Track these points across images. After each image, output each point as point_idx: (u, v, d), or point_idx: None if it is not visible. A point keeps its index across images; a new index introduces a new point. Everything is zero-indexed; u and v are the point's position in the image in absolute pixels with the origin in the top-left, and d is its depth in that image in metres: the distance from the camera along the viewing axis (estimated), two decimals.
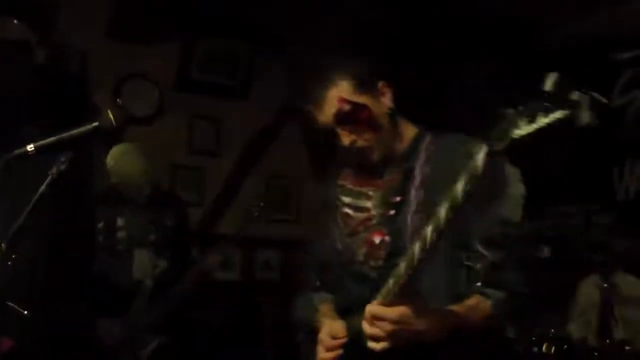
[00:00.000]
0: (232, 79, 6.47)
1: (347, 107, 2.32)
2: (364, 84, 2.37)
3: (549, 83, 1.52)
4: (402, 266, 2.01)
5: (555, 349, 4.08)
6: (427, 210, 2.05)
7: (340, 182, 2.63)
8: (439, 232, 1.85)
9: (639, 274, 4.37)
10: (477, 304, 2.18)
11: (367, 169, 2.48)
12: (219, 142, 6.49)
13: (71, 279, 4.74)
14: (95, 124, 2.27)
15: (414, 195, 2.33)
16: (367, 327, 2.06)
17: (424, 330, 2.05)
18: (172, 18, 6.08)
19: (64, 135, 2.24)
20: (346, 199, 2.55)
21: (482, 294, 2.19)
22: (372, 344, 2.05)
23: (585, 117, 1.44)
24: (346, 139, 2.35)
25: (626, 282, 4.38)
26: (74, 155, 2.34)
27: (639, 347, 4.03)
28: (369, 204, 2.46)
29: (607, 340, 4.04)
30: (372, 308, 2.06)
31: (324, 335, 2.40)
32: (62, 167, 2.26)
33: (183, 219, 5.02)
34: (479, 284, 2.19)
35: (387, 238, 2.36)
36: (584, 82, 1.48)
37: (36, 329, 3.93)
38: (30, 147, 2.16)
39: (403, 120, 2.49)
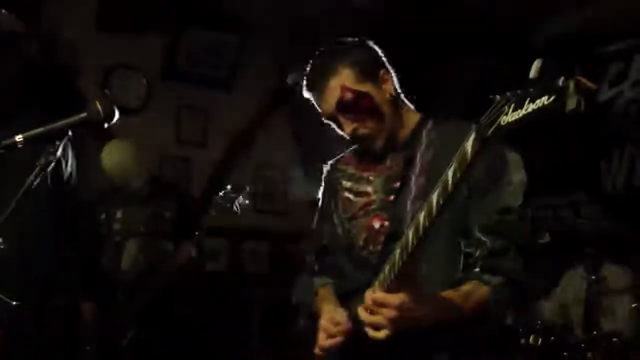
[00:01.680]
0: (219, 70, 6.46)
1: (349, 95, 2.32)
2: (365, 72, 2.37)
3: (533, 70, 1.53)
4: (397, 252, 2.02)
5: (542, 341, 4.10)
6: (426, 197, 2.04)
7: (342, 167, 2.63)
8: (431, 219, 1.85)
9: (626, 266, 4.40)
10: (475, 289, 2.16)
11: (369, 155, 2.48)
12: (206, 133, 6.48)
13: (59, 268, 4.78)
14: (84, 114, 2.26)
15: (414, 181, 2.32)
16: (366, 316, 2.04)
17: (422, 316, 2.04)
18: (158, 9, 6.06)
19: (52, 125, 2.23)
20: (347, 184, 2.56)
21: (479, 279, 2.17)
22: (373, 333, 2.02)
23: (571, 102, 1.43)
24: (348, 127, 2.36)
25: (613, 274, 4.40)
26: (61, 146, 2.32)
27: (625, 339, 4.05)
28: (369, 189, 2.46)
29: (594, 332, 4.06)
30: (373, 295, 2.03)
31: (325, 322, 2.39)
32: (51, 157, 2.25)
33: (184, 210, 4.98)
34: (477, 269, 2.18)
35: (386, 223, 2.36)
36: (571, 74, 1.48)
37: (25, 319, 3.92)
38: (19, 138, 2.15)
39: (406, 106, 2.48)
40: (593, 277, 4.15)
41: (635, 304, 4.11)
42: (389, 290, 2.03)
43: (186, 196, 5.31)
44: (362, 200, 2.47)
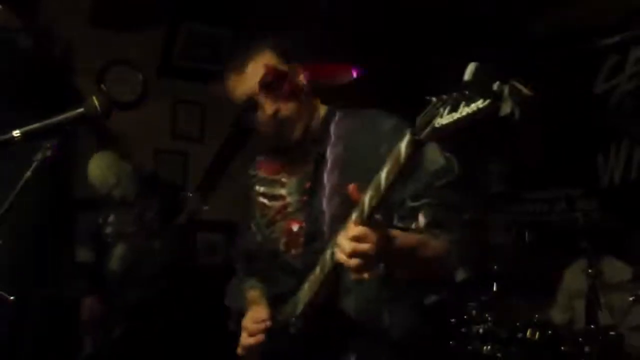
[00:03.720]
0: (216, 63, 6.44)
1: (273, 74, 2.31)
2: (285, 56, 2.37)
3: (468, 73, 1.51)
4: (317, 269, 2.06)
5: (539, 335, 4.10)
6: (342, 192, 2.01)
7: (254, 172, 2.62)
8: (362, 220, 1.86)
9: (624, 260, 4.40)
10: (429, 239, 2.15)
11: (282, 151, 2.48)
12: (202, 128, 6.47)
13: (54, 264, 4.88)
14: (81, 110, 2.25)
15: (327, 179, 2.32)
16: (347, 260, 1.89)
17: (394, 255, 1.99)
18: (154, 3, 6.05)
19: (50, 121, 2.22)
20: (261, 189, 2.55)
21: (430, 234, 2.17)
22: (356, 276, 1.91)
23: (505, 107, 1.41)
24: (270, 108, 2.32)
25: (611, 268, 4.40)
26: (58, 141, 2.32)
27: (622, 332, 4.06)
28: (283, 191, 2.46)
29: (592, 326, 4.06)
30: (353, 230, 1.89)
31: (247, 321, 2.40)
32: (48, 153, 2.24)
33: (166, 207, 5.21)
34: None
35: (304, 225, 2.35)
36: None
37: (22, 313, 3.96)
38: (16, 133, 2.14)
39: (314, 98, 2.47)
40: (590, 270, 4.15)
41: (633, 298, 4.12)
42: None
43: (167, 193, 5.46)
44: (277, 203, 2.47)
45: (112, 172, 5.07)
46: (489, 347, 4.19)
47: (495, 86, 1.44)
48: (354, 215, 1.90)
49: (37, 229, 4.94)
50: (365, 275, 1.89)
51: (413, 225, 2.18)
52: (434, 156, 2.23)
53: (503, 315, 4.34)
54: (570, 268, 4.74)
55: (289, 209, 2.42)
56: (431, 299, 2.37)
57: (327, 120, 2.43)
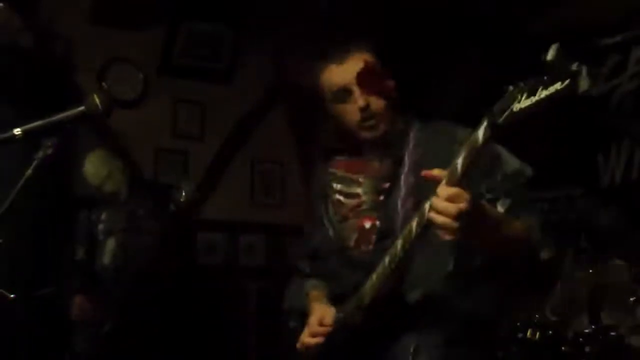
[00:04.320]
0: (216, 62, 6.44)
1: (372, 69, 2.43)
2: (382, 59, 2.50)
3: (551, 53, 1.56)
4: (398, 243, 2.09)
5: (539, 335, 4.10)
6: (416, 194, 2.07)
7: (331, 170, 2.67)
8: (454, 182, 1.90)
9: (624, 260, 4.39)
10: (514, 218, 2.22)
11: (361, 152, 2.56)
12: (203, 126, 6.46)
13: (53, 262, 4.92)
14: (82, 108, 2.25)
15: (403, 180, 2.40)
16: (441, 218, 1.91)
17: (478, 223, 1.99)
18: (155, 2, 6.04)
19: (51, 119, 2.22)
20: (337, 186, 2.61)
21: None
22: (444, 233, 1.94)
23: (584, 84, 1.49)
24: (362, 100, 2.42)
25: (612, 268, 4.40)
26: (59, 139, 2.32)
27: (623, 333, 4.05)
28: (359, 190, 2.52)
29: (593, 326, 4.05)
30: (446, 190, 1.91)
31: (312, 320, 2.44)
32: (49, 151, 2.25)
33: (158, 205, 5.25)
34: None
35: (377, 223, 2.41)
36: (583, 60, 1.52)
37: (21, 311, 3.97)
38: (17, 131, 2.14)
39: (398, 107, 2.55)
40: (591, 270, 4.15)
41: (634, 298, 4.11)
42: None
43: (159, 191, 5.52)
44: (352, 201, 2.53)
45: (104, 167, 5.16)
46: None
47: (574, 66, 1.51)
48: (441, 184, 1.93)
49: (37, 227, 4.96)
50: (453, 236, 1.93)
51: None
52: (510, 159, 2.37)
53: (503, 315, 4.34)
54: (569, 268, 4.74)
55: (363, 207, 2.49)
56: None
57: (407, 127, 2.54)
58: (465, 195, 1.89)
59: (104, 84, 5.89)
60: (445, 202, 1.89)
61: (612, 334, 4.00)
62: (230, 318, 6.13)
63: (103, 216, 5.11)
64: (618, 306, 4.26)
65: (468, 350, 2.39)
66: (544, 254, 2.31)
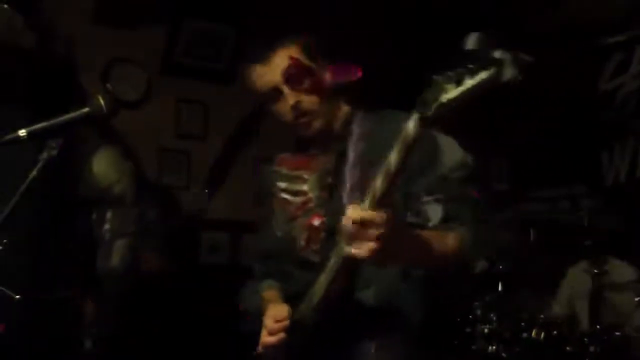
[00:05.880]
0: (219, 62, 6.44)
1: (297, 65, 2.39)
2: (310, 54, 2.45)
3: (470, 42, 1.54)
4: (333, 258, 2.07)
5: (544, 335, 4.10)
6: (362, 187, 2.03)
7: (276, 168, 2.68)
8: (373, 203, 1.84)
9: (628, 259, 4.39)
10: (446, 233, 2.17)
11: (302, 148, 2.56)
12: (206, 126, 6.46)
13: (59, 263, 4.90)
14: (86, 109, 2.25)
15: (348, 175, 2.35)
16: (348, 248, 1.86)
17: (404, 243, 1.95)
18: (156, 2, 6.04)
19: (55, 120, 2.22)
20: (282, 184, 2.60)
21: (446, 228, 2.19)
22: (356, 251, 1.85)
23: (508, 72, 1.46)
24: (292, 99, 2.40)
25: (616, 267, 4.39)
26: (64, 140, 2.32)
27: (627, 332, 4.05)
28: (305, 187, 2.51)
29: (597, 326, 4.05)
30: (358, 213, 1.83)
31: (267, 319, 2.40)
32: (53, 152, 2.24)
33: (167, 210, 5.35)
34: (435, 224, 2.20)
35: (325, 219, 2.38)
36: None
37: (26, 312, 3.97)
38: (22, 132, 2.15)
39: (338, 100, 2.54)
40: (596, 270, 4.14)
41: (638, 298, 4.11)
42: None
43: (168, 194, 5.57)
44: (299, 199, 2.51)
45: (115, 169, 5.10)
46: (493, 347, 4.19)
47: (497, 54, 1.49)
48: (364, 202, 1.88)
49: (42, 229, 4.95)
50: (363, 253, 1.84)
51: (429, 223, 2.20)
52: (452, 150, 2.29)
53: (508, 314, 4.34)
54: (574, 267, 4.74)
55: (310, 205, 2.46)
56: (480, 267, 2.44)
57: (349, 119, 2.49)
58: (379, 219, 1.81)
59: (108, 85, 5.90)
60: (355, 226, 1.83)
61: (617, 333, 4.00)
62: (233, 318, 6.12)
63: (109, 216, 5.06)
64: (622, 306, 4.26)
65: (427, 348, 2.36)
66: (479, 267, 2.29)
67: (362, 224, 1.82)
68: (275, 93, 2.45)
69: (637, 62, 4.96)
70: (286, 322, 2.33)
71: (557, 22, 5.30)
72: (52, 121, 2.22)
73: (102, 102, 2.25)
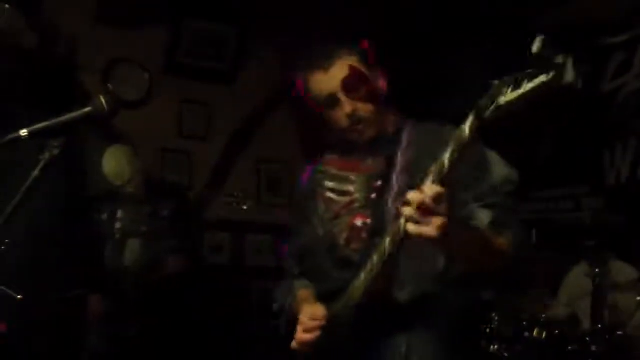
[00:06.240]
0: (221, 62, 6.45)
1: (357, 74, 2.42)
2: (367, 63, 2.48)
3: (537, 45, 1.55)
4: (386, 241, 2.07)
5: (546, 334, 4.10)
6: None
7: (324, 168, 2.69)
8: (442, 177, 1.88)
9: (629, 259, 4.39)
10: (493, 234, 2.22)
11: (353, 151, 2.56)
12: (208, 127, 6.47)
13: (63, 263, 4.90)
14: (88, 109, 2.26)
15: (395, 179, 2.40)
16: (413, 215, 1.88)
17: (457, 236, 1.98)
18: (158, 2, 6.05)
19: (57, 120, 2.23)
20: (329, 184, 2.61)
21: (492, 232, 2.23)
22: (425, 230, 1.87)
23: (569, 75, 1.48)
24: (349, 107, 2.43)
25: (616, 268, 4.39)
26: (66, 140, 2.33)
27: (629, 332, 4.05)
28: (351, 188, 2.53)
29: (599, 326, 4.05)
30: (426, 189, 1.86)
31: (303, 317, 2.43)
32: (55, 152, 2.25)
33: (180, 208, 5.30)
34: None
35: (368, 221, 2.42)
36: (575, 66, 1.51)
37: (28, 312, 3.97)
38: (23, 132, 2.15)
39: (388, 109, 2.57)
40: (597, 270, 4.14)
41: None
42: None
43: (182, 194, 5.59)
44: (344, 199, 2.53)
45: (129, 167, 5.10)
46: (495, 346, 4.19)
47: (559, 58, 1.50)
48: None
49: (48, 228, 4.96)
50: (432, 232, 1.87)
51: (480, 225, 2.24)
52: (500, 165, 2.36)
53: (509, 314, 4.34)
54: (575, 267, 4.74)
55: (355, 205, 2.49)
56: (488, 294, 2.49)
57: (400, 127, 2.54)
58: (444, 194, 1.85)
59: (109, 85, 5.91)
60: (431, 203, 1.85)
61: (619, 333, 4.00)
62: (236, 318, 6.13)
63: (120, 214, 5.06)
64: (624, 306, 4.26)
65: (458, 348, 2.40)
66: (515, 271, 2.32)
67: (425, 206, 1.85)
68: (333, 100, 2.46)
69: (639, 62, 4.95)
70: (322, 321, 2.36)
71: (558, 22, 5.30)
72: (54, 121, 2.22)
73: (103, 102, 2.25)
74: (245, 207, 5.18)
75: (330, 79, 2.45)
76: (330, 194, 2.59)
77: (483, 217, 2.26)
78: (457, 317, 2.39)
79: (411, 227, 1.90)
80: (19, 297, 2.62)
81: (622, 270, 4.37)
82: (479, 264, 2.23)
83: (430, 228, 1.86)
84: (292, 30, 5.88)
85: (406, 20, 5.94)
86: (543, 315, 4.26)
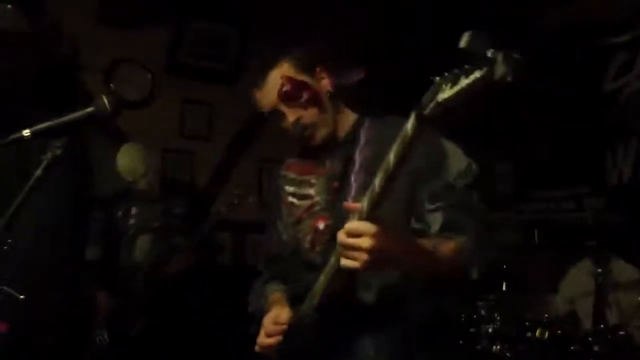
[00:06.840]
0: (223, 62, 6.45)
1: (289, 84, 2.41)
2: (303, 66, 2.47)
3: (463, 41, 1.55)
4: (332, 259, 2.09)
5: (548, 334, 4.10)
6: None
7: (283, 173, 2.70)
8: (373, 202, 1.90)
9: (631, 259, 4.39)
10: (444, 241, 2.20)
11: (310, 154, 2.56)
12: (210, 127, 6.47)
13: (66, 262, 4.92)
14: (90, 109, 2.26)
15: (354, 178, 2.39)
16: (341, 250, 1.96)
17: (398, 252, 2.00)
18: (160, 2, 6.05)
19: (59, 120, 2.23)
20: (290, 189, 2.62)
21: (446, 237, 2.22)
22: (349, 263, 1.94)
23: (499, 71, 1.48)
24: (292, 116, 2.44)
25: (618, 267, 4.39)
26: (68, 140, 2.33)
27: (631, 332, 4.04)
28: (311, 191, 2.54)
29: (602, 325, 4.05)
30: (350, 225, 1.94)
31: (266, 321, 2.45)
32: (58, 152, 2.25)
33: (194, 205, 5.32)
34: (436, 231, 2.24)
35: (330, 222, 2.41)
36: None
37: (31, 312, 3.97)
38: (26, 132, 2.15)
39: (343, 106, 2.57)
40: (599, 270, 4.14)
41: None
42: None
43: (194, 192, 5.68)
44: (305, 202, 2.54)
45: (142, 162, 5.12)
46: (497, 346, 4.19)
47: (489, 53, 1.50)
48: (363, 201, 1.94)
49: (53, 228, 4.96)
50: (355, 264, 1.92)
51: (430, 231, 2.23)
52: (457, 157, 2.34)
53: (512, 314, 4.34)
54: (577, 266, 4.73)
55: (317, 208, 2.49)
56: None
57: (356, 125, 2.52)
58: (371, 229, 1.90)
59: (111, 85, 5.91)
60: (351, 239, 1.92)
61: (621, 333, 3.99)
62: (236, 318, 6.12)
63: (134, 211, 5.12)
64: (626, 306, 4.26)
65: (427, 349, 2.38)
66: (474, 274, 2.29)
67: (355, 234, 1.91)
68: (276, 113, 2.47)
69: None
70: (284, 326, 2.37)
71: (560, 22, 5.30)
72: (56, 121, 2.22)
73: (106, 102, 2.25)
74: (250, 200, 5.17)
75: (267, 94, 2.46)
76: (291, 199, 2.60)
77: (433, 222, 2.25)
78: (425, 316, 2.37)
79: (341, 261, 1.96)
80: (21, 297, 2.62)
81: (624, 270, 4.37)
82: (429, 273, 2.20)
83: (354, 262, 1.92)
84: (293, 30, 5.88)
85: (406, 20, 5.93)
86: (545, 315, 4.26)
